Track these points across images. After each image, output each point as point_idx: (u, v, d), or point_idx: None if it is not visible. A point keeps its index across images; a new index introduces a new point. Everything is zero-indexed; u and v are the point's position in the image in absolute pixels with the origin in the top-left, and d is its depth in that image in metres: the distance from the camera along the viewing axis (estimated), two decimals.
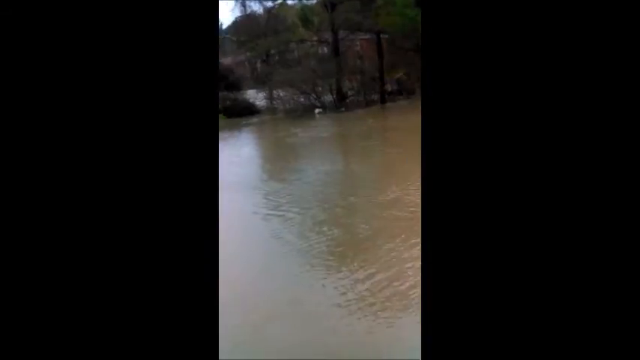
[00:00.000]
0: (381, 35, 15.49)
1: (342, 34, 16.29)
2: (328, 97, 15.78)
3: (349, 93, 16.17)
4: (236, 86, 18.40)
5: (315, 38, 17.35)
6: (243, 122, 15.25)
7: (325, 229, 4.59)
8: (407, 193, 5.33)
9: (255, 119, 16.10)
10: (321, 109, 15.03)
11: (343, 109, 14.91)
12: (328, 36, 16.51)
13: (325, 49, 17.37)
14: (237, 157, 9.57)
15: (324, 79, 15.58)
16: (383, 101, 15.45)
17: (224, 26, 23.59)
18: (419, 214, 4.61)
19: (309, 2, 18.03)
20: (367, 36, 16.59)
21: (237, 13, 22.64)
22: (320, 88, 15.72)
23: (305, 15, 17.14)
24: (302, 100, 15.75)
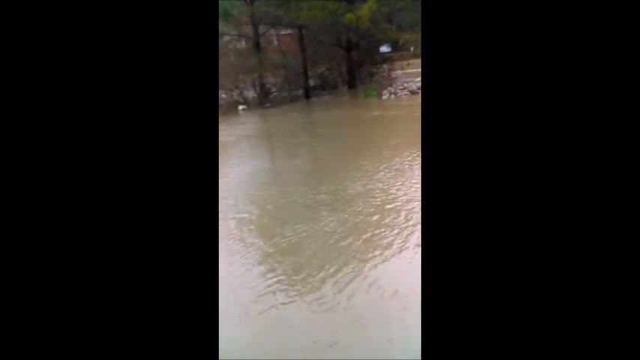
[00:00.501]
0: (303, 30, 15.38)
1: (262, 28, 15.92)
2: (251, 93, 15.38)
3: (273, 89, 15.88)
4: None
5: (235, 32, 16.77)
6: None
7: (278, 239, 4.38)
8: (370, 194, 5.28)
9: None
10: (245, 106, 14.60)
11: (268, 104, 14.61)
12: (249, 30, 16.06)
13: (244, 43, 16.89)
14: None
15: (246, 75, 15.14)
16: (307, 96, 15.39)
17: None
18: (373, 213, 4.61)
19: None
20: (289, 30, 16.39)
21: None
22: (242, 84, 15.25)
23: (224, 8, 16.47)
24: (224, 96, 15.14)
